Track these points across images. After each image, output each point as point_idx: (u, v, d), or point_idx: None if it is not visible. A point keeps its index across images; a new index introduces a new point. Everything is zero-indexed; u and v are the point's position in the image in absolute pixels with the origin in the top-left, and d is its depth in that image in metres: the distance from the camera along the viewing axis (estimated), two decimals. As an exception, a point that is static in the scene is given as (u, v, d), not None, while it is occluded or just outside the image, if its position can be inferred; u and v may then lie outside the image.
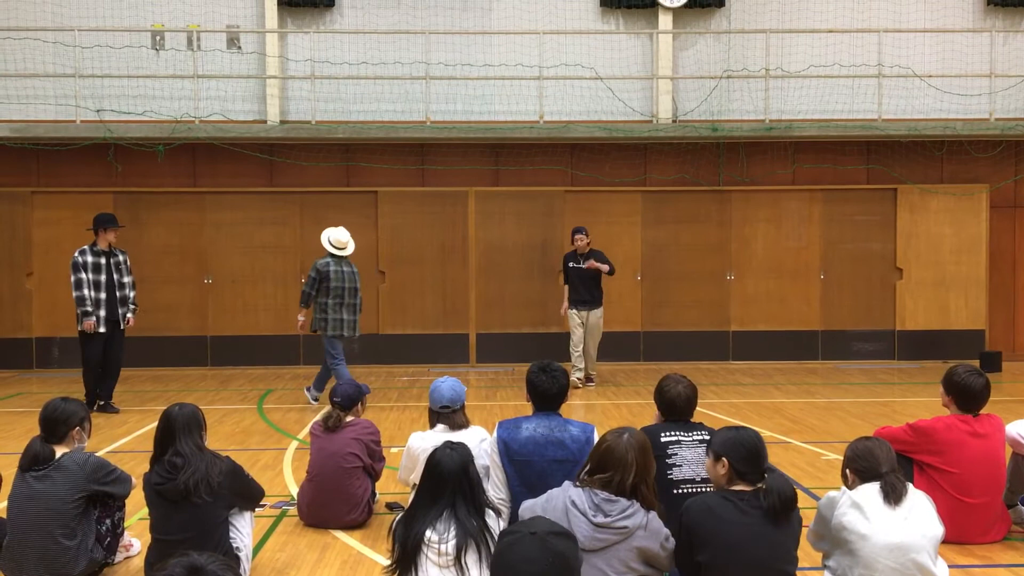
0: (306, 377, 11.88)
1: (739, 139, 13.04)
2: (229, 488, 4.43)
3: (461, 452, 3.79)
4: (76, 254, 9.40)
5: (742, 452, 3.69)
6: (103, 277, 9.43)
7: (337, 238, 9.68)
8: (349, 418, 5.61)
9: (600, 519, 3.54)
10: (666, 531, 3.67)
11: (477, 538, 3.62)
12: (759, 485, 3.65)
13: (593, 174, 13.15)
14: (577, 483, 3.69)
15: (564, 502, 3.61)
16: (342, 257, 9.64)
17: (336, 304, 9.54)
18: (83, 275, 9.34)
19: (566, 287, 11.23)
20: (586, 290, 11.01)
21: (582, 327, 10.98)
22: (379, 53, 13.05)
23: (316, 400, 9.91)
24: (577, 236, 10.98)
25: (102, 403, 9.57)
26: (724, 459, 3.73)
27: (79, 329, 9.43)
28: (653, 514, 3.66)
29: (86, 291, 9.31)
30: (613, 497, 3.59)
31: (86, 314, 9.31)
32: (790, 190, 13.28)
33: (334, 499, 5.45)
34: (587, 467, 3.74)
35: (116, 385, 9.73)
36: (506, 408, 9.39)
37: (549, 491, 3.75)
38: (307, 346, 12.64)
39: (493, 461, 4.53)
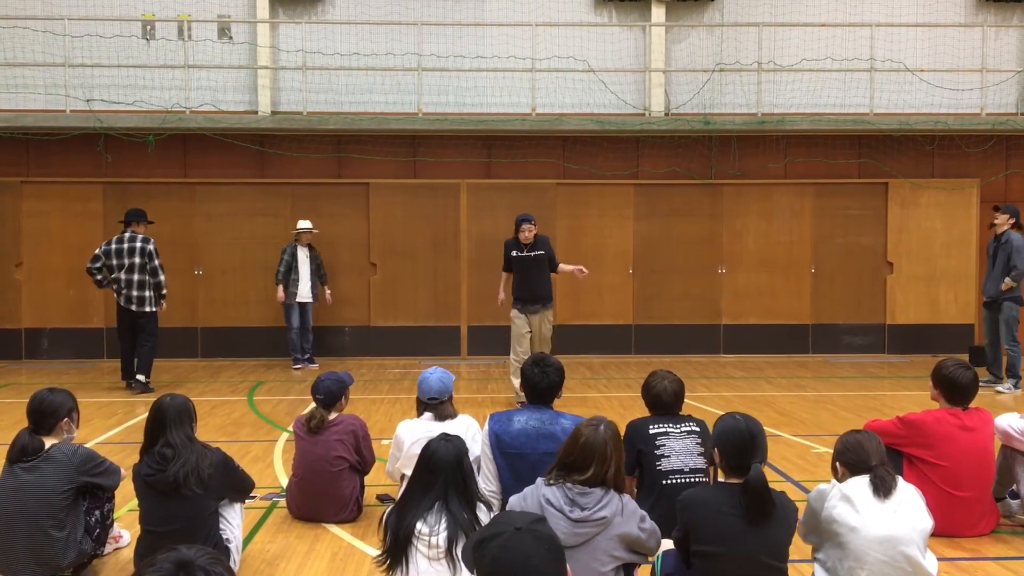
0: (298, 369, 11.90)
1: (731, 132, 13.04)
2: (219, 480, 4.41)
3: (456, 444, 3.79)
4: (152, 241, 10.15)
5: (728, 445, 3.65)
6: None
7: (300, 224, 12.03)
8: (333, 415, 5.49)
9: (577, 514, 3.50)
10: (641, 512, 3.64)
11: (468, 531, 3.62)
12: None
13: (585, 167, 13.14)
14: (550, 481, 3.63)
15: (539, 500, 3.56)
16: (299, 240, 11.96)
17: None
18: None
19: (506, 274, 9.36)
20: (535, 283, 9.02)
21: (530, 334, 9.04)
22: (371, 44, 13.00)
23: (298, 363, 12.01)
24: (525, 227, 9.04)
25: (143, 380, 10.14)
26: (716, 448, 3.73)
27: (157, 310, 10.19)
28: (627, 497, 3.64)
29: None
30: (587, 489, 3.54)
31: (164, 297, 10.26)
32: (782, 184, 13.30)
33: (323, 501, 5.43)
34: (561, 464, 3.64)
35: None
36: (497, 401, 9.39)
37: (524, 491, 3.70)
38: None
39: (485, 454, 4.53)
